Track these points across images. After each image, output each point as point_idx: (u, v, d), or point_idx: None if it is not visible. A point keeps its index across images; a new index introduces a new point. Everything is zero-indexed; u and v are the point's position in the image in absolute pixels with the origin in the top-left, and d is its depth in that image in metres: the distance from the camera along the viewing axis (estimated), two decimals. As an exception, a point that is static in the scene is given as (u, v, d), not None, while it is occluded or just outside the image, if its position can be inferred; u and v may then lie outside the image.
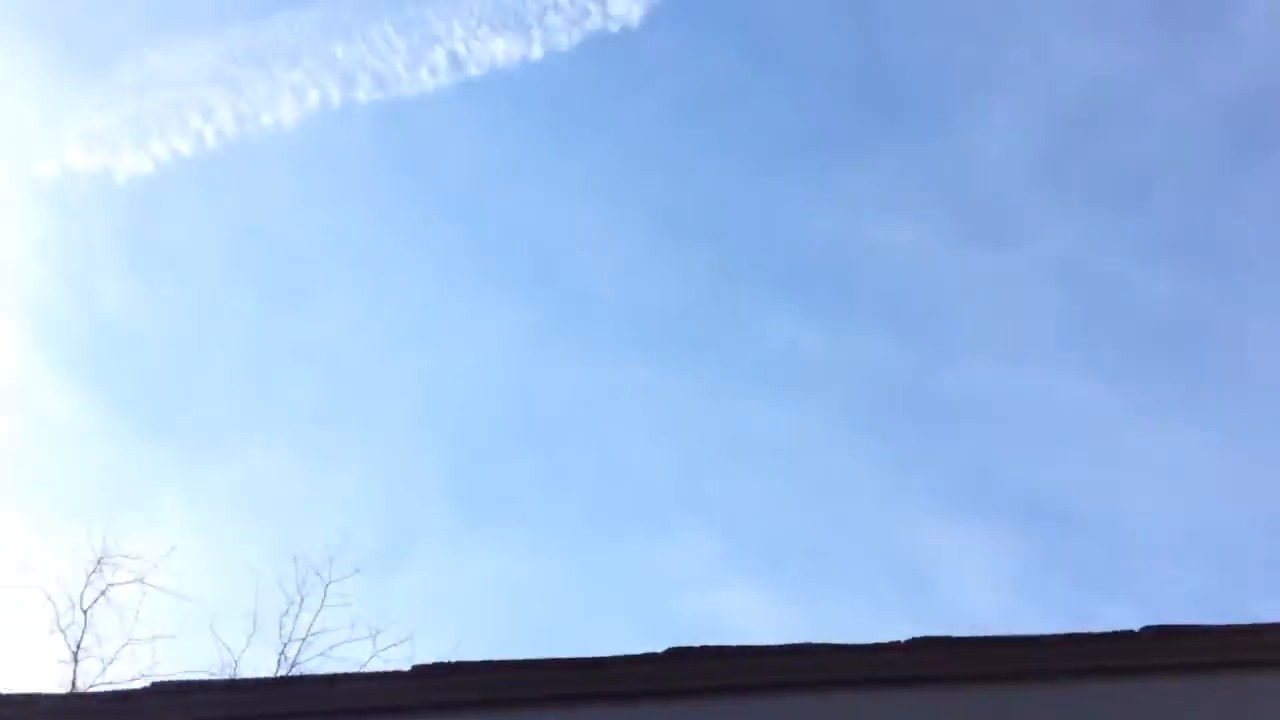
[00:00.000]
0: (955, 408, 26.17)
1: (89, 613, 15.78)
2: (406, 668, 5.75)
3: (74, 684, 15.18)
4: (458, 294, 31.75)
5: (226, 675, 14.36)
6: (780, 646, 5.61)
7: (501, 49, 24.91)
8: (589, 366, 30.10)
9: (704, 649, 5.55)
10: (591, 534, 27.41)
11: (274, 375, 29.78)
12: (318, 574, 16.29)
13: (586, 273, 30.84)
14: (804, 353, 29.61)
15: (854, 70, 28.33)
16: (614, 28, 24.69)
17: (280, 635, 16.05)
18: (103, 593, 15.91)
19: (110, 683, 14.95)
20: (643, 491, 28.64)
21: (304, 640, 16.06)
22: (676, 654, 5.57)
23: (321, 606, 16.21)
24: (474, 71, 24.80)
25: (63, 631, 15.60)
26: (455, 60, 25.10)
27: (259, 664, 15.63)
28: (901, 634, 5.62)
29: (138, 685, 12.38)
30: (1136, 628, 5.64)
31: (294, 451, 27.53)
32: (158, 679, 6.68)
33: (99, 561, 15.94)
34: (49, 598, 15.63)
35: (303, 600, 16.27)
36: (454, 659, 5.72)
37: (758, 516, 27.09)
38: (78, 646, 15.59)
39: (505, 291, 31.38)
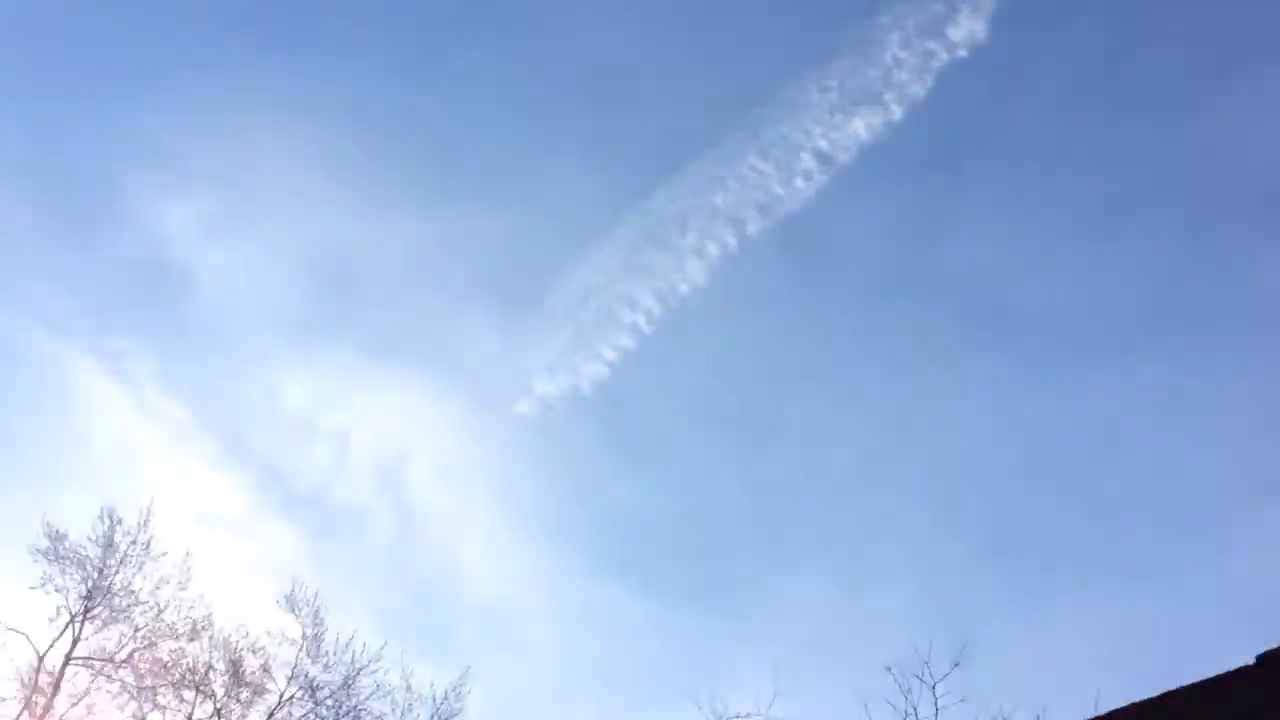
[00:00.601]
0: None
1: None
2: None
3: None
4: (917, 363, 30.23)
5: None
6: None
7: (862, 126, 24.55)
8: (1079, 387, 26.95)
9: None
10: (1167, 555, 25.11)
11: (771, 510, 28.88)
12: (919, 679, 16.89)
13: (1033, 295, 28.09)
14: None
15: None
16: (963, 53, 23.91)
17: (913, 746, 15.88)
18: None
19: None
20: (1206, 495, 25.49)
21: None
22: None
23: (936, 710, 16.87)
24: (844, 158, 24.67)
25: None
26: (823, 157, 25.09)
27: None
28: None
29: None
30: None
31: (827, 573, 27.62)
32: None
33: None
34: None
35: (916, 709, 16.97)
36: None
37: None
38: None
39: (965, 340, 29.39)
